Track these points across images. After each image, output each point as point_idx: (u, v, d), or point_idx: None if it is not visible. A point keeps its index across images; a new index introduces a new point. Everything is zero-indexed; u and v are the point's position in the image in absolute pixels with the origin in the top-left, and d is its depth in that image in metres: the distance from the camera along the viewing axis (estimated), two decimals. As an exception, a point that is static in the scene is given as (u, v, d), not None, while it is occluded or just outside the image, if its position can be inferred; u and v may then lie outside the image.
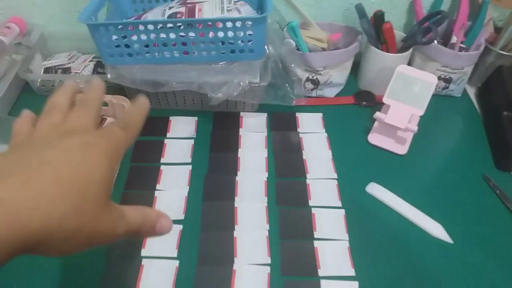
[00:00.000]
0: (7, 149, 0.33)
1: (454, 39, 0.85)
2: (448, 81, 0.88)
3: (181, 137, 0.82)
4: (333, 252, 0.64)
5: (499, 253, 0.65)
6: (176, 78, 0.74)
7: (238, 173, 0.75)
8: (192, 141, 0.81)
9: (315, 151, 0.80)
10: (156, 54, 0.72)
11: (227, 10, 0.74)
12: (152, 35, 0.69)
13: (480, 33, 0.83)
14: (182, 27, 0.68)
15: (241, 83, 0.75)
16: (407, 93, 0.77)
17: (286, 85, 0.81)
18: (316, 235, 0.67)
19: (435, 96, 0.86)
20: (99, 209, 0.30)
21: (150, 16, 0.78)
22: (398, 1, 0.90)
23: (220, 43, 0.70)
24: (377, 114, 0.78)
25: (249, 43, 0.70)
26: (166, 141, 0.81)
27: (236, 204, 0.70)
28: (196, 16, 0.73)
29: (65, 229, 0.27)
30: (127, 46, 0.71)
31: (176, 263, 0.63)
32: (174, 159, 0.77)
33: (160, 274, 0.62)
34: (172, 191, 0.72)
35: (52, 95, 0.39)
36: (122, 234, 0.33)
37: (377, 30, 0.84)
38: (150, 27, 0.68)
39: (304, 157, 0.78)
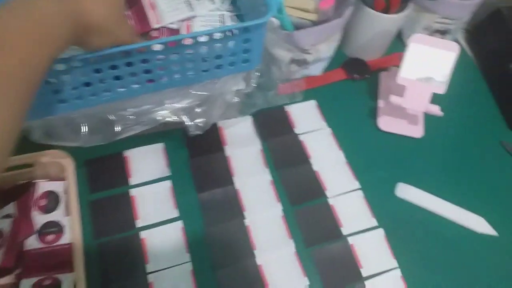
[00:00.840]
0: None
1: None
2: (444, 33, 0.75)
3: (150, 180, 0.59)
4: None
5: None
6: (138, 116, 0.50)
7: (245, 213, 0.58)
8: (168, 183, 0.59)
9: (324, 156, 0.64)
10: (105, 93, 0.46)
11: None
12: (95, 74, 0.43)
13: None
14: (142, 52, 0.43)
15: (228, 97, 0.54)
16: (424, 68, 0.63)
17: (277, 81, 0.61)
18: (363, 272, 0.55)
19: None
20: (124, 18, 0.41)
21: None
22: None
23: (204, 60, 0.47)
24: (394, 99, 0.63)
25: (245, 53, 0.48)
26: (132, 191, 0.58)
27: (258, 262, 0.55)
28: None
29: (104, 26, 0.37)
30: (55, 91, 0.44)
31: None
32: (156, 217, 0.56)
33: None
34: (168, 269, 0.53)
35: None
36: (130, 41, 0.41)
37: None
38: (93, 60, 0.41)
39: (314, 168, 0.63)
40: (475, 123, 0.72)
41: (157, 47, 0.43)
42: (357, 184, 0.62)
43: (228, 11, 0.56)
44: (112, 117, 0.50)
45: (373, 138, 0.67)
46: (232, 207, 0.58)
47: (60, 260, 0.50)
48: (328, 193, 0.61)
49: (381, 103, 0.69)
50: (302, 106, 0.69)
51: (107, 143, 0.51)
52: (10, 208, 0.51)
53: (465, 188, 0.64)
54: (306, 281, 0.54)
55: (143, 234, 0.55)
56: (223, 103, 0.54)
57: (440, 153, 0.68)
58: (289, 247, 0.56)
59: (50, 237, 0.51)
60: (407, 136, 0.68)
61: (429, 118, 0.69)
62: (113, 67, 0.43)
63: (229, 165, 0.62)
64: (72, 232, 0.51)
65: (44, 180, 0.54)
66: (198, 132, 0.54)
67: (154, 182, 0.59)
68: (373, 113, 0.69)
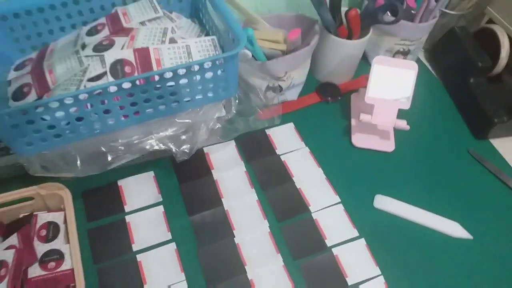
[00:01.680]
0: None
1: (404, 6, 0.77)
2: (406, 53, 0.82)
3: (144, 206, 0.64)
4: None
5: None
6: (128, 147, 0.55)
7: (235, 232, 0.62)
8: (161, 208, 0.63)
9: (305, 174, 0.69)
10: (96, 125, 0.51)
11: (170, 39, 0.55)
12: (85, 108, 0.48)
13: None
14: (120, 89, 0.48)
15: (211, 125, 0.59)
16: (388, 87, 0.69)
17: (256, 107, 0.66)
18: (349, 281, 0.59)
19: None
20: None
21: (60, 45, 0.55)
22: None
23: (184, 91, 0.52)
24: (363, 117, 0.69)
25: (220, 83, 0.54)
26: (127, 218, 0.62)
27: (249, 276, 0.58)
28: (124, 24, 0.54)
29: None
30: (50, 127, 0.49)
31: None
32: (150, 240, 0.60)
33: None
34: (165, 284, 0.57)
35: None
36: None
37: (333, 15, 0.72)
38: (82, 97, 0.47)
39: (297, 185, 0.67)
40: (443, 134, 0.77)
41: (140, 81, 0.48)
42: (337, 199, 0.67)
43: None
44: (104, 149, 0.55)
45: (348, 154, 0.73)
46: (222, 227, 0.62)
47: (61, 286, 0.53)
48: (311, 208, 0.65)
49: (353, 122, 0.74)
50: (281, 129, 0.74)
51: (101, 172, 0.56)
52: (13, 240, 0.55)
53: (438, 195, 0.69)
54: (294, 291, 0.57)
55: (139, 257, 0.58)
56: (207, 130, 0.59)
57: (412, 164, 0.73)
58: (277, 261, 0.60)
59: (51, 265, 0.54)
60: (380, 151, 0.73)
61: (399, 132, 0.74)
62: (102, 102, 0.49)
63: (217, 187, 0.66)
64: (72, 258, 0.54)
65: (43, 212, 0.58)
66: (185, 158, 0.59)
67: (147, 208, 0.63)
68: (347, 132, 0.75)
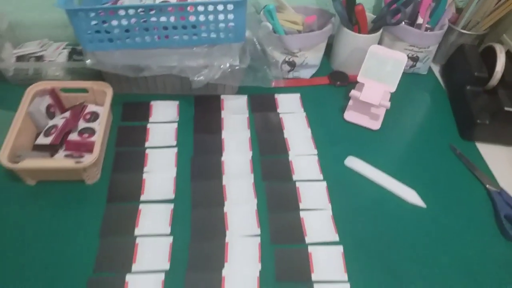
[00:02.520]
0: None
1: (420, 20, 0.90)
2: (415, 59, 0.93)
3: (164, 121, 0.83)
4: (318, 220, 0.69)
5: (467, 214, 0.72)
6: (157, 63, 0.75)
7: (224, 153, 0.78)
8: (175, 125, 0.82)
9: (295, 129, 0.83)
10: (137, 39, 0.73)
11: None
12: (133, 20, 0.70)
13: (443, 13, 0.89)
14: (163, 10, 0.69)
15: (222, 66, 0.77)
16: (380, 71, 0.81)
17: (265, 67, 0.83)
18: (301, 206, 0.70)
19: (404, 74, 0.91)
20: None
21: (128, 1, 0.78)
22: (366, -16, 0.95)
23: (201, 27, 0.72)
24: (353, 92, 0.82)
25: (230, 26, 0.72)
26: (149, 125, 0.82)
27: (224, 182, 0.73)
28: None
29: None
30: (107, 31, 0.71)
31: (170, 239, 0.65)
32: (159, 143, 0.79)
33: (155, 251, 0.64)
34: (160, 173, 0.74)
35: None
36: None
37: (349, 12, 0.88)
38: (131, 11, 0.69)
39: (285, 136, 0.82)
40: (431, 128, 0.86)
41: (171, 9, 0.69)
42: (315, 151, 0.79)
43: None
44: (140, 64, 0.76)
45: (338, 125, 0.85)
46: (216, 150, 0.78)
47: (87, 148, 0.73)
48: (290, 153, 0.79)
49: (350, 102, 0.87)
50: (288, 96, 0.90)
51: (139, 92, 0.77)
52: (67, 114, 0.77)
53: (405, 168, 0.78)
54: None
55: (148, 151, 0.77)
56: (218, 69, 0.77)
57: (391, 142, 0.83)
58: (250, 180, 0.74)
59: (85, 136, 0.75)
60: (366, 128, 0.84)
61: (389, 117, 0.85)
62: (144, 21, 0.70)
63: (221, 122, 0.83)
64: (99, 136, 0.74)
65: (92, 104, 0.80)
66: (199, 86, 0.77)
67: (166, 123, 0.82)
68: (343, 110, 0.87)
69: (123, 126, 0.81)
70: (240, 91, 0.89)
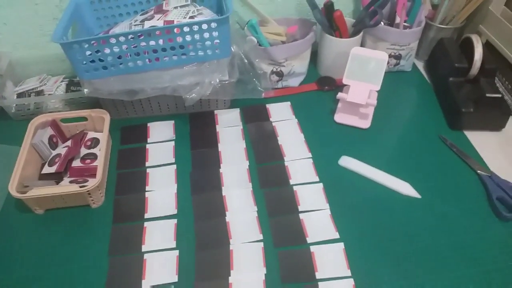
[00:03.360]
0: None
1: (398, 19, 0.94)
2: (398, 57, 0.96)
3: (161, 140, 0.86)
4: (318, 220, 0.71)
5: (462, 201, 0.74)
6: (150, 85, 0.79)
7: (221, 165, 0.81)
8: (172, 143, 0.85)
9: (288, 136, 0.86)
10: (130, 64, 0.76)
11: (190, 17, 0.80)
12: (124, 46, 0.74)
13: (419, 11, 0.93)
14: (151, 35, 0.73)
15: (212, 82, 0.80)
16: (363, 72, 0.84)
17: (254, 79, 0.87)
18: (300, 208, 0.73)
19: (389, 73, 0.95)
20: None
21: (118, 30, 0.82)
22: (344, -10, 0.99)
23: (189, 46, 0.76)
24: (340, 95, 0.85)
25: (216, 42, 0.76)
26: (148, 146, 0.85)
27: (224, 193, 0.76)
28: (163, 7, 0.79)
29: None
30: (101, 60, 0.75)
31: (176, 252, 0.67)
32: (158, 161, 0.82)
33: (162, 265, 0.66)
34: (162, 190, 0.77)
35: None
36: None
37: (329, 19, 0.91)
38: (122, 39, 0.72)
39: (279, 142, 0.84)
40: (420, 121, 0.89)
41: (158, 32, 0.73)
42: (309, 155, 0.82)
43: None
44: (134, 88, 0.79)
45: (329, 127, 0.88)
46: (214, 161, 0.81)
47: (91, 173, 0.76)
48: (286, 158, 0.81)
49: (339, 105, 0.90)
50: (279, 105, 0.93)
51: (137, 116, 0.80)
52: (69, 143, 0.81)
53: (398, 162, 0.80)
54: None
55: (149, 170, 0.80)
56: (209, 85, 0.80)
57: (383, 139, 0.85)
58: (248, 188, 0.77)
59: (88, 161, 0.78)
60: (357, 127, 0.87)
61: (379, 115, 0.88)
62: (134, 47, 0.73)
63: (217, 136, 0.86)
64: (100, 160, 0.77)
65: (92, 131, 0.84)
66: (191, 103, 0.80)
67: (163, 142, 0.85)
68: (333, 112, 0.90)
69: (123, 149, 0.84)
70: (233, 104, 0.92)
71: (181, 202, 0.75)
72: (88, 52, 0.74)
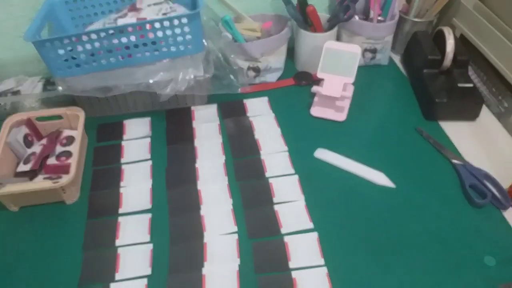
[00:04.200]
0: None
1: (371, 13, 0.95)
2: (373, 51, 0.97)
3: (137, 137, 0.86)
4: (292, 211, 0.71)
5: (435, 189, 0.75)
6: (123, 81, 0.79)
7: (197, 160, 0.81)
8: (148, 139, 0.85)
9: (265, 130, 0.86)
10: (102, 61, 0.76)
11: (163, 14, 0.80)
12: (96, 44, 0.74)
13: (392, 5, 0.94)
14: (123, 32, 0.73)
15: (187, 77, 0.80)
16: (337, 65, 0.85)
17: (230, 75, 0.87)
18: (275, 200, 0.73)
19: (365, 67, 0.97)
20: None
21: (92, 28, 0.82)
22: (318, -14, 1.00)
23: (161, 42, 0.76)
24: (314, 88, 0.86)
25: (188, 38, 0.76)
26: (123, 143, 0.85)
27: (199, 187, 0.76)
28: (137, 6, 0.80)
29: None
30: (73, 57, 0.75)
31: (150, 246, 0.67)
32: (134, 158, 0.82)
33: (136, 259, 0.66)
34: (137, 186, 0.77)
35: None
36: None
37: (303, 14, 0.92)
38: (94, 36, 0.73)
39: (256, 137, 0.85)
40: (396, 114, 0.90)
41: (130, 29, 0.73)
42: (285, 148, 0.82)
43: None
44: (109, 84, 0.79)
45: (305, 121, 0.88)
46: (190, 156, 0.81)
47: (65, 170, 0.75)
48: (262, 152, 0.82)
49: (316, 99, 0.91)
50: (256, 100, 0.93)
51: (113, 114, 0.81)
52: (44, 141, 0.81)
53: (372, 153, 0.81)
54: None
55: (124, 166, 0.80)
56: (183, 81, 0.80)
57: (358, 131, 0.86)
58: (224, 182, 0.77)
59: (63, 158, 0.78)
60: (333, 120, 0.88)
61: (355, 108, 0.89)
62: (107, 44, 0.74)
63: (193, 131, 0.86)
64: (75, 157, 0.77)
65: (67, 129, 0.84)
66: (165, 99, 0.80)
67: (139, 139, 0.85)
68: (310, 107, 0.91)
69: (99, 147, 0.84)
70: (210, 101, 0.93)
71: (156, 197, 0.75)
72: (61, 51, 0.74)
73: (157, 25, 0.74)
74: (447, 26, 0.89)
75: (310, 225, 0.69)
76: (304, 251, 0.66)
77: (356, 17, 0.94)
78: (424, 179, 0.76)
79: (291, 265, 0.64)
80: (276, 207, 0.72)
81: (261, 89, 0.95)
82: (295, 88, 0.97)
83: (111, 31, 0.73)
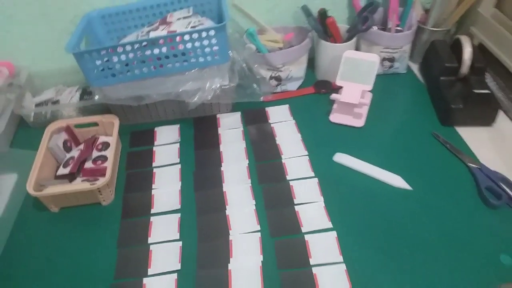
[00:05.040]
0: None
1: (389, 23, 0.98)
2: (392, 60, 1.01)
3: (167, 143, 0.92)
4: (312, 212, 0.75)
5: (452, 192, 0.77)
6: (155, 90, 0.85)
7: (223, 164, 0.86)
8: (177, 145, 0.91)
9: (286, 136, 0.91)
10: (136, 71, 0.83)
11: (192, 27, 0.86)
12: (130, 55, 0.80)
13: (409, 15, 0.97)
14: (155, 43, 0.79)
15: (213, 87, 0.86)
16: (356, 74, 0.89)
17: (254, 84, 0.92)
18: (296, 201, 0.77)
19: (384, 76, 1.00)
20: None
21: (126, 41, 0.89)
22: (338, -2, 1.04)
23: (190, 53, 0.82)
24: (333, 95, 0.90)
25: (215, 49, 0.82)
26: (154, 148, 0.91)
27: (224, 189, 0.80)
28: (168, 19, 0.85)
29: None
30: (109, 68, 0.81)
31: (180, 243, 0.72)
32: (164, 162, 0.87)
33: (167, 255, 0.71)
34: (167, 188, 0.82)
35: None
36: None
37: (323, 26, 0.97)
38: (128, 48, 0.79)
39: (277, 142, 0.89)
40: (413, 120, 0.92)
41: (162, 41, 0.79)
42: (305, 152, 0.86)
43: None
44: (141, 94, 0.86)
45: (325, 127, 0.92)
46: (215, 158, 0.86)
47: (101, 173, 0.82)
48: (283, 156, 0.86)
49: (335, 106, 0.94)
50: (277, 108, 0.98)
51: (145, 122, 0.87)
52: (81, 146, 0.87)
53: (393, 160, 0.83)
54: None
55: (155, 170, 0.86)
56: (210, 90, 0.86)
57: (376, 137, 0.89)
58: (248, 184, 0.81)
59: (99, 162, 0.84)
60: (351, 126, 0.91)
61: (373, 114, 0.92)
62: (140, 55, 0.80)
63: (218, 136, 0.92)
64: (110, 161, 0.83)
65: (103, 135, 0.90)
66: (193, 107, 0.86)
67: (169, 144, 0.91)
68: (329, 113, 0.94)
69: (132, 152, 0.90)
70: (235, 109, 0.98)
71: (184, 198, 0.80)
72: (98, 61, 0.81)
73: (186, 37, 0.79)
74: (465, 35, 0.92)
75: (329, 225, 0.73)
76: (323, 249, 0.69)
77: (375, 27, 0.98)
78: (441, 182, 0.79)
79: (312, 262, 0.68)
80: (296, 208, 0.76)
81: (283, 97, 1.00)
82: (315, 96, 1.01)
83: (144, 43, 0.79)
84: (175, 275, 0.68)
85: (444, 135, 0.87)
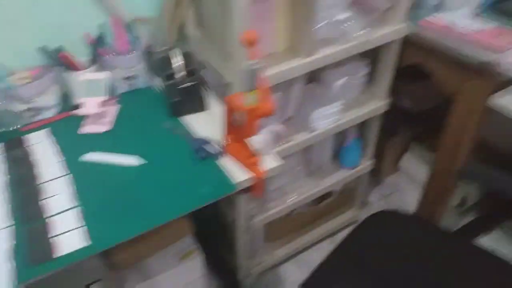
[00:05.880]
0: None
1: (121, 49, 1.24)
2: (132, 78, 1.25)
3: None
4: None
5: (175, 159, 1.03)
6: None
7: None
8: None
9: (45, 159, 1.06)
10: None
11: None
12: None
13: (137, 40, 1.24)
14: None
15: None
16: (93, 90, 1.11)
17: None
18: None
19: (130, 92, 1.25)
20: None
21: None
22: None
23: None
24: (75, 111, 1.10)
25: None
26: None
27: None
28: None
29: None
30: None
31: None
32: None
33: None
34: None
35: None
36: None
37: (63, 59, 1.17)
38: None
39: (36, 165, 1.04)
40: (152, 118, 1.18)
41: None
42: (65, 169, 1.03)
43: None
44: None
45: (79, 139, 1.11)
46: None
47: None
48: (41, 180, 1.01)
49: (83, 120, 1.14)
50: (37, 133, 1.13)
51: None
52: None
53: (137, 148, 1.06)
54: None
55: None
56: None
57: (125, 135, 1.11)
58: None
59: None
60: (101, 133, 1.12)
61: (121, 120, 1.15)
62: None
63: None
64: None
65: None
66: None
67: None
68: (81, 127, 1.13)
69: None
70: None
71: None
72: None
73: None
74: (174, 49, 1.22)
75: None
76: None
77: (111, 54, 1.22)
78: (168, 154, 1.05)
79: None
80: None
81: (42, 124, 1.15)
82: (72, 119, 1.19)
83: None
84: None
85: (173, 124, 1.14)
